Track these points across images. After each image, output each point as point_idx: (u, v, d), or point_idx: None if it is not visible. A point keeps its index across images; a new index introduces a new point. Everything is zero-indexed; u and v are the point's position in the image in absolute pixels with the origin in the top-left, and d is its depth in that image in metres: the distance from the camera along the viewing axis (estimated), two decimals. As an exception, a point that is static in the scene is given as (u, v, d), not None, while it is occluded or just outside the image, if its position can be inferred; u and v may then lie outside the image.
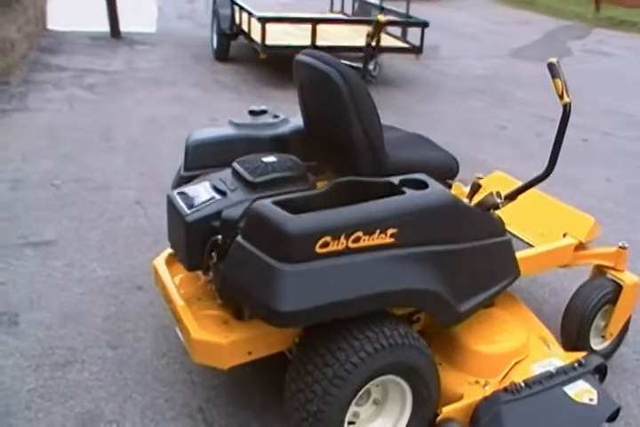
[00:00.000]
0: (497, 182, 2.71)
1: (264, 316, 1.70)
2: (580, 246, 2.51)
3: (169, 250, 2.30)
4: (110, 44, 7.93)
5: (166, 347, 2.49)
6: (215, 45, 7.50)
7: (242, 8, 6.77)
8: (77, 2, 9.98)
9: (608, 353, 2.55)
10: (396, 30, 7.09)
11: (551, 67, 1.98)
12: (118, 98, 5.80)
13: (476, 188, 2.39)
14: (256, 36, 6.37)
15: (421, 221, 1.80)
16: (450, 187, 2.34)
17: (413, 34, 6.71)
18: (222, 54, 7.44)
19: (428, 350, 1.92)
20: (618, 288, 2.46)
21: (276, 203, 1.74)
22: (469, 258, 1.97)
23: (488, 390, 1.99)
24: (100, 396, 2.23)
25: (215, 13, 7.43)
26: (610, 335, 2.53)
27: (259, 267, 1.67)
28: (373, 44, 2.65)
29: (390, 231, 1.73)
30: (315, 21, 6.35)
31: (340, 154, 2.15)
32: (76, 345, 2.48)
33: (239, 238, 1.77)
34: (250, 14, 6.45)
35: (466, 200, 2.16)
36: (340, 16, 8.39)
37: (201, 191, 2.02)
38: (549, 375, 2.04)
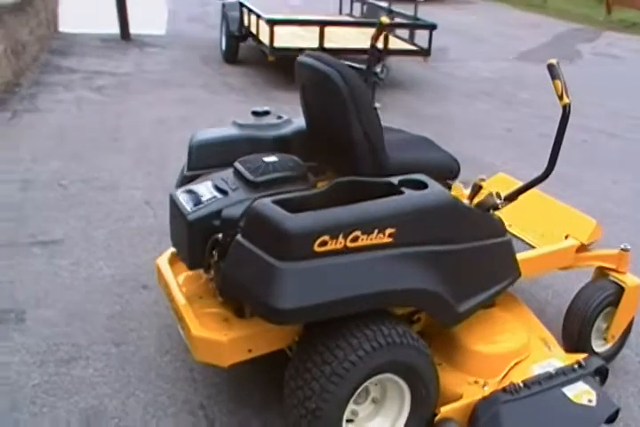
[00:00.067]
0: (500, 184, 2.70)
1: (263, 313, 1.72)
2: (582, 248, 2.51)
3: (172, 249, 2.32)
4: (120, 47, 8.01)
5: (169, 345, 2.52)
6: (224, 48, 7.55)
7: (250, 10, 6.81)
8: (88, 4, 10.10)
9: (610, 355, 2.54)
10: (405, 33, 7.09)
11: (551, 68, 1.98)
12: (127, 99, 5.85)
13: (476, 189, 2.40)
14: (264, 38, 6.41)
15: (420, 222, 1.81)
16: (449, 187, 2.35)
17: (422, 36, 6.71)
18: (231, 56, 7.49)
19: (428, 349, 1.92)
20: (620, 290, 2.45)
21: (276, 202, 1.75)
22: (469, 258, 1.97)
23: (487, 391, 2.00)
24: (103, 392, 2.26)
25: (224, 16, 7.48)
26: (612, 338, 2.52)
27: (258, 265, 1.69)
28: (380, 46, 2.66)
29: (389, 231, 1.74)
30: (322, 24, 6.39)
31: (341, 154, 2.17)
32: (81, 342, 2.51)
33: (239, 237, 1.79)
34: (258, 17, 6.49)
35: (466, 201, 2.16)
36: (348, 18, 8.40)
37: (203, 190, 2.04)
38: (549, 376, 2.04)
